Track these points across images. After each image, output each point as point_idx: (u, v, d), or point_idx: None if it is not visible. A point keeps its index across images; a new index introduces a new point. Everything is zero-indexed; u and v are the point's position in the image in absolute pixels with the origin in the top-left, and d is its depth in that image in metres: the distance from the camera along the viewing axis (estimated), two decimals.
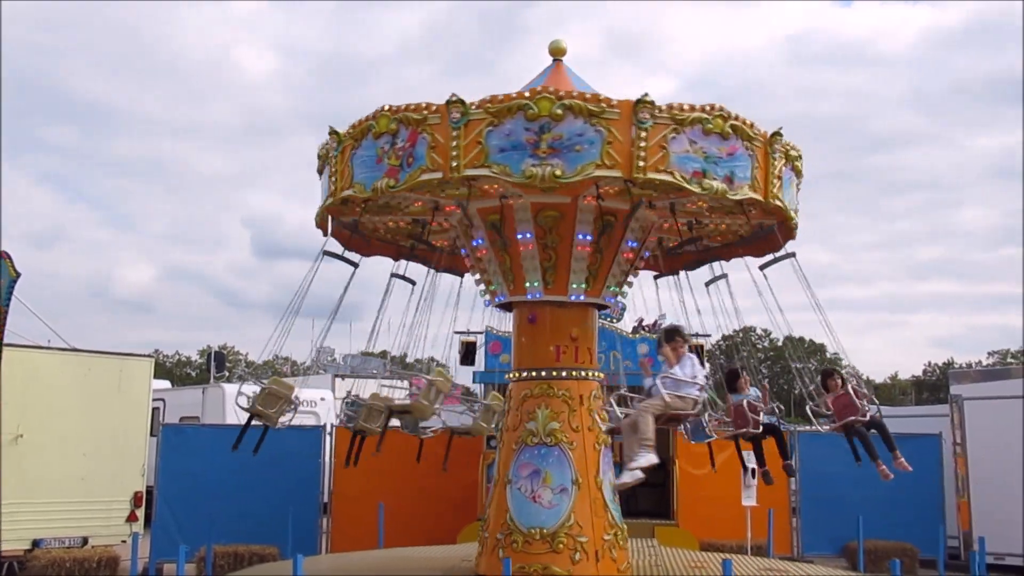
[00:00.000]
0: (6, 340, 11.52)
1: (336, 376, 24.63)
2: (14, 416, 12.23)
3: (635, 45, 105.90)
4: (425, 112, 7.57)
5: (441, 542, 12.36)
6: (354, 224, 9.60)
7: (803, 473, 14.66)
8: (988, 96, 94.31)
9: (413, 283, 10.31)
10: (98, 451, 13.24)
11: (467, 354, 13.29)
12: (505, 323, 11.53)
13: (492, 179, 7.67)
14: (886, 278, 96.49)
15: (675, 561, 10.24)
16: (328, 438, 14.18)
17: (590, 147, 7.30)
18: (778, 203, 8.15)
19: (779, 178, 8.10)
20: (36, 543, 12.44)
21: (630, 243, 8.89)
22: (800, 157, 8.61)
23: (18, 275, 11.30)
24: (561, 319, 8.96)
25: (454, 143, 7.43)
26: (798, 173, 8.70)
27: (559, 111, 7.26)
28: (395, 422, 10.31)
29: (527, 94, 7.39)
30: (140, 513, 13.74)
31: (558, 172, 7.26)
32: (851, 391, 8.79)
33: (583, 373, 8.91)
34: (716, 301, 9.42)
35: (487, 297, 9.58)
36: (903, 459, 8.89)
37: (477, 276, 9.54)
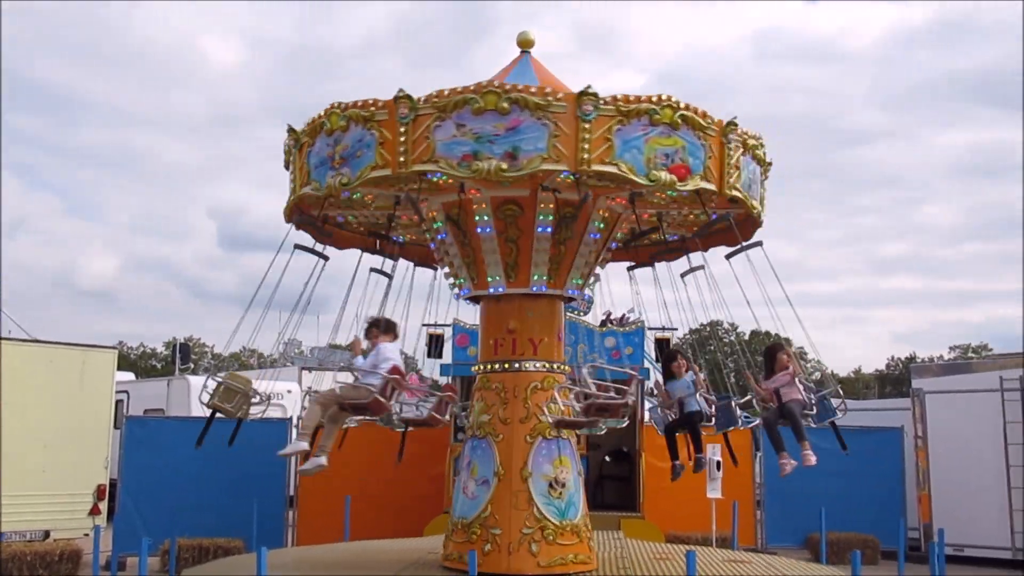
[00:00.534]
0: None
1: (303, 368, 24.49)
2: None
3: (604, 39, 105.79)
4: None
5: (408, 535, 12.34)
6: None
7: (767, 466, 14.84)
8: (952, 94, 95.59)
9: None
10: (60, 443, 13.12)
11: (434, 346, 13.27)
12: (474, 316, 11.53)
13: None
14: (851, 273, 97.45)
15: (640, 553, 10.29)
16: (294, 431, 14.08)
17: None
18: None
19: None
20: None
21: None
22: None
23: None
24: (503, 312, 8.89)
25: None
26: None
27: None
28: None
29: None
30: (103, 506, 13.63)
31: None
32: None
33: (517, 365, 8.77)
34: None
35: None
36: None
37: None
